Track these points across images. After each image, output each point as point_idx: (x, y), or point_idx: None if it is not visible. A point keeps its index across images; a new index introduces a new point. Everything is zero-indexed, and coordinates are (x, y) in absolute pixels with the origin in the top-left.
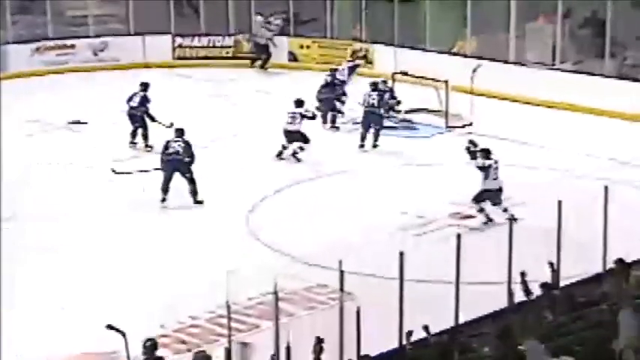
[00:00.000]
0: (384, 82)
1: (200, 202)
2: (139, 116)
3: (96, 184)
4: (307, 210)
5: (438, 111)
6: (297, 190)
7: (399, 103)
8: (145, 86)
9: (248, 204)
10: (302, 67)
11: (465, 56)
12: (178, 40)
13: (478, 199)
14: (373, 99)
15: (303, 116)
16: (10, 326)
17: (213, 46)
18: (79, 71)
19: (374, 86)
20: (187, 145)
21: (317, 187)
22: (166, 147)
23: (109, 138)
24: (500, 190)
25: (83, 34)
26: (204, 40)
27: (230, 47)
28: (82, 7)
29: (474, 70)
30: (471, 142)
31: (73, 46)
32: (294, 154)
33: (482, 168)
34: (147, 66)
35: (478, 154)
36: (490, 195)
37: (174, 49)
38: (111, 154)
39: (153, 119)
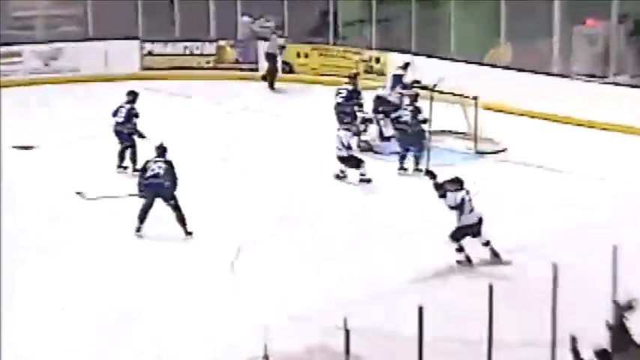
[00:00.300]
0: (400, 95)
1: (190, 234)
2: (127, 134)
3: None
4: (305, 253)
5: (466, 134)
6: (296, 226)
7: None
8: (133, 96)
9: (237, 241)
10: (300, 80)
11: (499, 67)
12: (148, 46)
13: (456, 236)
14: (406, 115)
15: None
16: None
17: (191, 54)
18: (26, 85)
19: (413, 99)
20: (169, 167)
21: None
22: (144, 169)
23: (67, 162)
24: (480, 222)
25: (31, 40)
26: (180, 47)
27: (211, 56)
28: (30, 6)
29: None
30: (430, 172)
31: (19, 54)
32: (361, 180)
33: (456, 207)
34: (108, 79)
35: (447, 188)
36: (469, 230)
37: (142, 56)
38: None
39: (142, 136)
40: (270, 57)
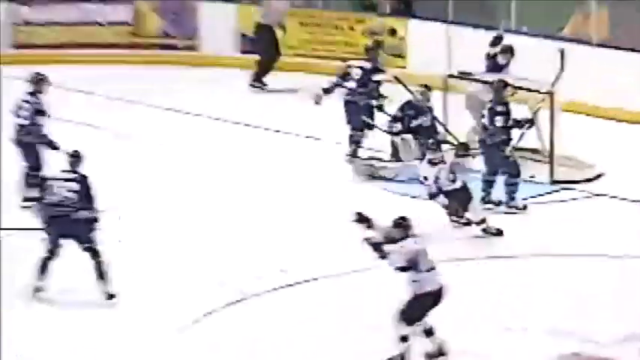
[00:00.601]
0: (426, 90)
1: (112, 297)
2: (30, 145)
3: None
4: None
5: (535, 151)
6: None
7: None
8: (38, 83)
9: (185, 316)
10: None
11: (587, 44)
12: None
13: (409, 319)
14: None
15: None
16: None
17: (95, 24)
18: None
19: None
20: (83, 185)
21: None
22: (43, 188)
23: None
24: (439, 293)
25: None
26: (74, 12)
27: (123, 25)
28: None
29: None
30: (359, 215)
31: None
32: (484, 230)
33: (403, 268)
34: None
35: (393, 239)
36: (427, 304)
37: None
38: None
39: (54, 147)
40: (265, 32)
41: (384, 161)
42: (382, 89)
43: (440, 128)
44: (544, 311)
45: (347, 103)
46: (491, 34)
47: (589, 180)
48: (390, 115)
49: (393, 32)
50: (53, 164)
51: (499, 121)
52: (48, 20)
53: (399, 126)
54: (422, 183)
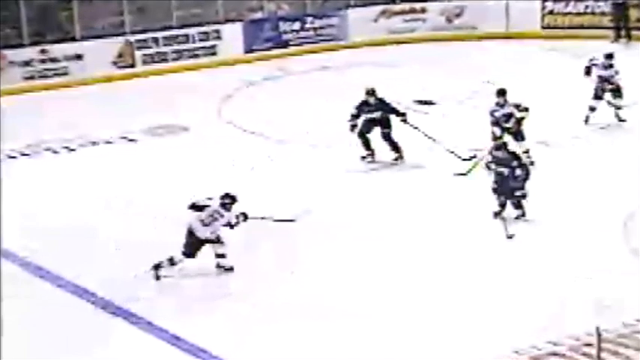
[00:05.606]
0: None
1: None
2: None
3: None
4: None
5: None
6: None
7: None
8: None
9: (622, 212)
10: None
11: None
12: (549, 4)
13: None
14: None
15: None
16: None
17: (592, 13)
18: (430, 40)
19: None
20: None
21: None
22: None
23: (465, 122)
24: None
25: None
26: (580, 6)
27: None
28: None
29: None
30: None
31: (423, 11)
32: None
33: None
34: (508, 36)
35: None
36: None
37: (543, 16)
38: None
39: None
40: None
41: None
42: None
43: None
44: None
45: None
46: None
47: None
48: None
49: None
50: None
51: None
52: (564, 11)
53: None
54: None
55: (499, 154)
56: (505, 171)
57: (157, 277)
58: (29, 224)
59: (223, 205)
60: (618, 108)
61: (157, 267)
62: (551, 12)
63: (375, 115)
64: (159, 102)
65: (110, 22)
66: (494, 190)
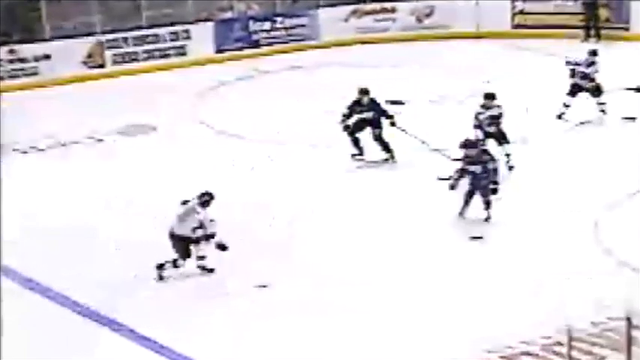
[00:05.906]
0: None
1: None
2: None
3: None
4: None
5: None
6: None
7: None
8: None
9: (598, 209)
10: None
11: None
12: (519, 4)
13: None
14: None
15: None
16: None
17: (562, 13)
18: (400, 40)
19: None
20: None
21: None
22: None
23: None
24: None
25: None
26: (550, 5)
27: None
28: None
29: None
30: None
31: (393, 10)
32: None
33: None
34: (479, 36)
35: None
36: None
37: (513, 15)
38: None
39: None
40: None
41: None
42: None
43: None
44: None
45: None
46: None
47: None
48: None
49: None
50: None
51: None
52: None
53: None
54: None
55: (472, 152)
56: (478, 169)
57: (160, 278)
58: None
59: (201, 203)
60: (602, 104)
61: (160, 267)
62: (521, 11)
63: (367, 115)
64: (130, 102)
65: (80, 21)
66: (468, 193)
